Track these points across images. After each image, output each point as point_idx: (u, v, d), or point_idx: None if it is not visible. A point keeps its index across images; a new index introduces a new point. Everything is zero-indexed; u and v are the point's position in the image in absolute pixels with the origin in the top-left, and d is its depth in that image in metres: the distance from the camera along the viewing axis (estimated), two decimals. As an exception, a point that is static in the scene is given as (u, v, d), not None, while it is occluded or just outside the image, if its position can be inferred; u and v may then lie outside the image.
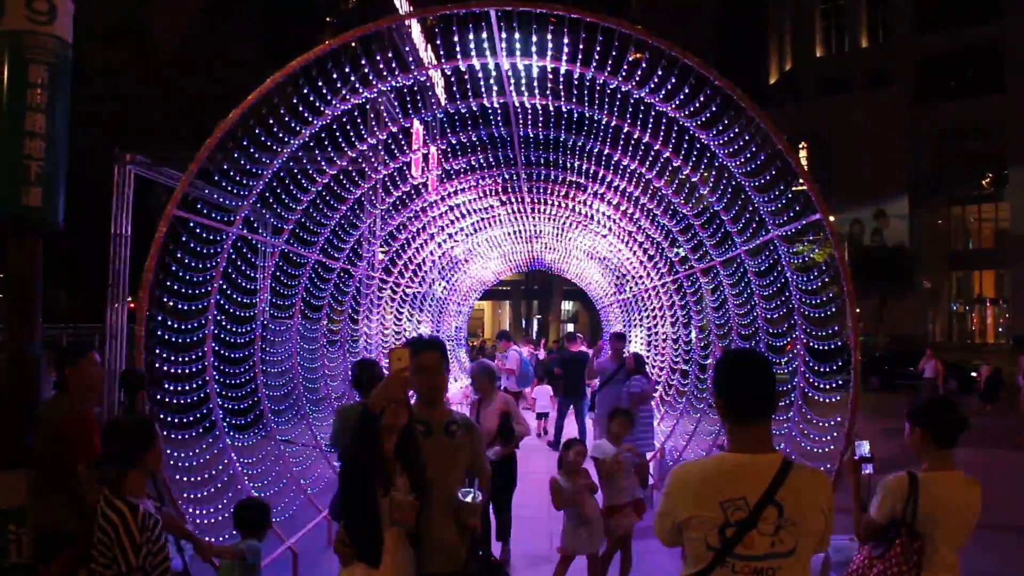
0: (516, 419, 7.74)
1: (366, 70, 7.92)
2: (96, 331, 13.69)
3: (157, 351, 7.37)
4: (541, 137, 10.18)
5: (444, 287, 18.30)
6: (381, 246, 13.34)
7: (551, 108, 9.18)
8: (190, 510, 7.19)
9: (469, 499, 3.96)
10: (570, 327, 57.37)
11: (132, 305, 12.19)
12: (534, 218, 15.90)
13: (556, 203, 14.30)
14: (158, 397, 7.36)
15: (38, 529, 4.54)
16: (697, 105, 7.87)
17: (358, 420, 3.77)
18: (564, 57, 7.85)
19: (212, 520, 7.38)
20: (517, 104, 9.09)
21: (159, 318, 7.43)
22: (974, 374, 28.40)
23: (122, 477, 3.73)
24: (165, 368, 7.42)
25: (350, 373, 5.76)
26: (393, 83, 8.26)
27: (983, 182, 49.37)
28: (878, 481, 3.99)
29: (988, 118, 46.81)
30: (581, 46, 7.66)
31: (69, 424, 4.81)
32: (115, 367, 12.22)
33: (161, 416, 7.31)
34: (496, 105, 9.21)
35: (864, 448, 4.27)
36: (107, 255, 12.31)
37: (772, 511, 2.67)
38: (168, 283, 7.37)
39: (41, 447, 4.65)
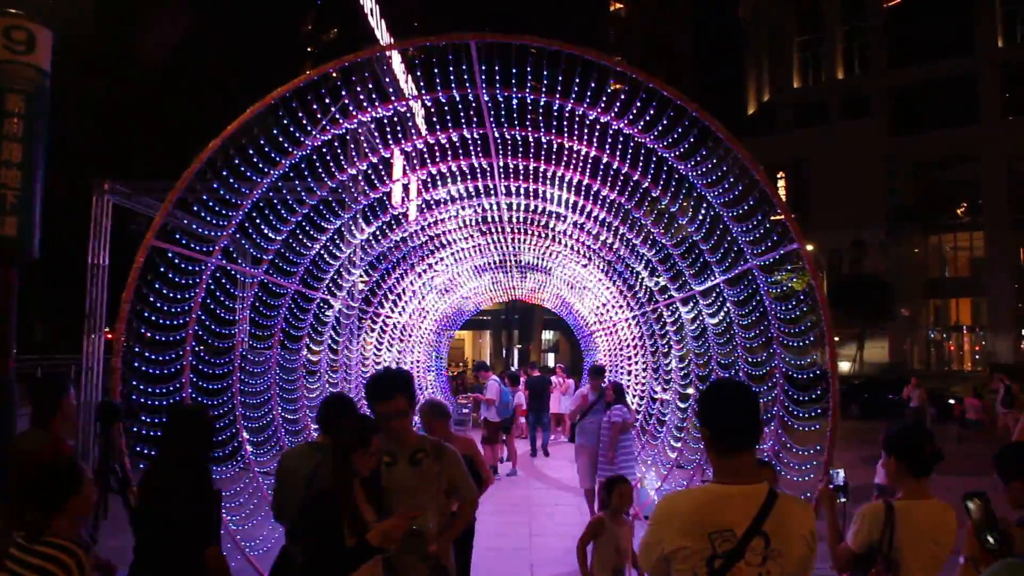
0: (478, 465, 6.39)
1: (346, 100, 7.95)
2: (72, 362, 13.56)
3: (134, 382, 7.31)
4: (521, 167, 10.22)
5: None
6: (361, 276, 13.32)
7: (531, 139, 9.23)
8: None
9: (416, 527, 3.94)
10: (551, 357, 57.46)
11: (109, 336, 12.09)
12: (514, 248, 15.94)
13: (536, 233, 14.34)
14: (135, 429, 7.28)
15: None
16: (675, 136, 7.94)
17: (320, 511, 3.80)
18: (544, 88, 7.91)
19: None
20: (497, 135, 9.13)
21: (136, 349, 7.37)
22: (951, 401, 28.58)
23: (43, 522, 3.43)
24: (142, 400, 7.35)
25: (322, 406, 5.44)
26: (373, 113, 8.28)
27: (959, 211, 50.01)
28: (854, 510, 4.00)
29: (963, 148, 47.50)
30: (561, 78, 7.73)
31: (48, 456, 4.75)
32: (92, 399, 12.10)
33: (138, 448, 7.23)
34: (476, 136, 9.25)
35: (840, 477, 4.28)
36: (84, 285, 12.23)
37: (759, 542, 2.68)
38: (146, 314, 7.31)
39: (18, 480, 4.58)
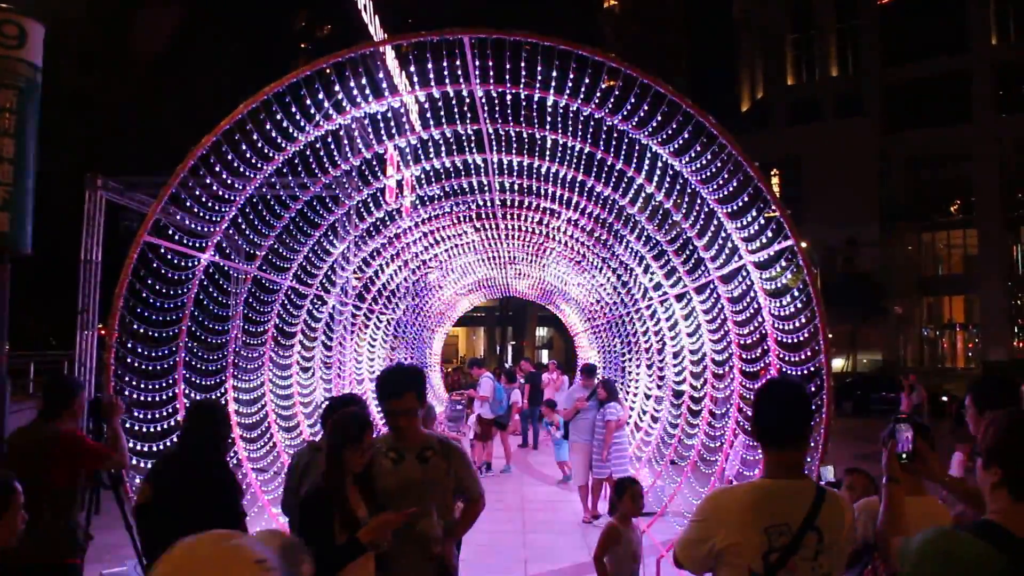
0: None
1: (340, 96, 7.92)
2: (64, 358, 13.50)
3: (127, 378, 7.28)
4: (515, 164, 10.20)
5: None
6: (355, 272, 13.29)
7: (525, 135, 9.22)
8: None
9: (420, 527, 3.92)
10: (544, 353, 57.54)
11: (102, 332, 12.05)
12: (508, 244, 15.93)
13: (530, 229, 14.34)
14: (127, 425, 7.26)
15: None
16: (670, 132, 7.93)
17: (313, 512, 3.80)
18: (538, 84, 7.89)
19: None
20: (491, 131, 9.12)
21: (129, 345, 7.35)
22: (944, 399, 28.64)
23: None
24: (135, 395, 7.33)
25: (325, 407, 5.59)
26: (367, 109, 8.26)
27: (951, 209, 50.14)
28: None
29: (956, 146, 47.63)
30: (555, 73, 7.71)
31: (68, 441, 4.78)
32: (85, 395, 12.03)
33: (130, 444, 7.21)
34: (470, 132, 9.23)
35: (829, 474, 4.30)
36: (76, 281, 12.18)
37: (812, 537, 2.75)
38: (139, 310, 7.29)
39: (25, 473, 4.54)
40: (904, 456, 3.09)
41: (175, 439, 5.28)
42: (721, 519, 2.83)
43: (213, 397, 8.63)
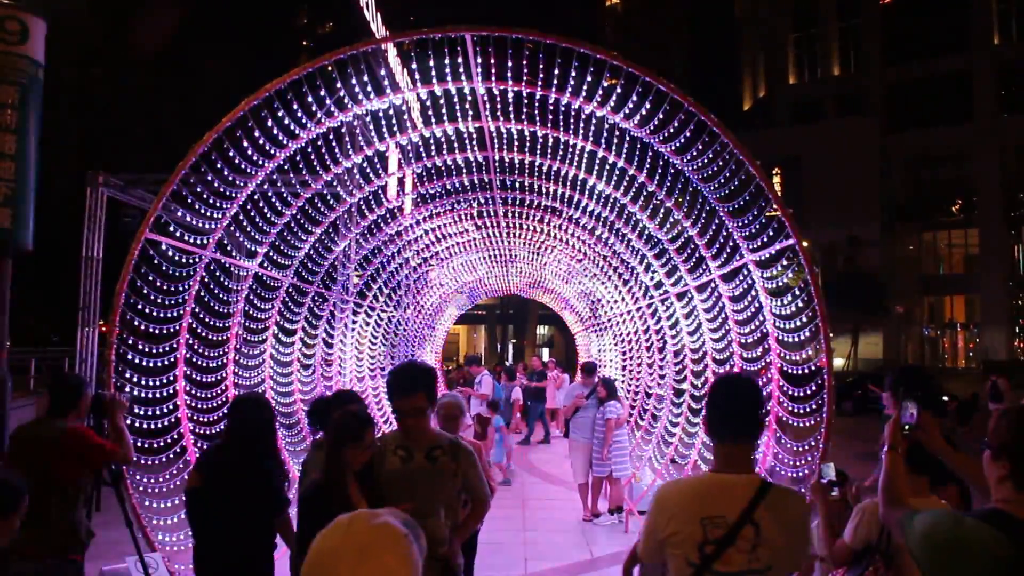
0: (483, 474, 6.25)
1: (342, 94, 7.92)
2: (65, 355, 13.49)
3: (128, 375, 7.28)
4: (516, 162, 10.19)
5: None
6: (356, 269, 13.29)
7: (526, 133, 9.21)
8: (160, 536, 7.10)
9: (426, 526, 3.92)
10: (545, 351, 57.56)
11: (103, 328, 12.05)
12: (509, 242, 15.92)
13: (531, 227, 14.33)
14: (128, 422, 7.26)
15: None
16: (671, 130, 7.92)
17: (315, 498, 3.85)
18: (540, 82, 7.88)
19: (182, 547, 7.28)
20: (493, 128, 9.11)
21: (130, 342, 7.34)
22: (945, 398, 28.59)
23: None
24: (136, 392, 7.33)
25: (317, 405, 5.71)
26: (369, 107, 8.25)
27: (953, 208, 50.12)
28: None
29: (957, 146, 47.65)
30: (557, 71, 7.71)
31: (74, 436, 4.80)
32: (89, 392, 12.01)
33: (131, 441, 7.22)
34: (472, 129, 9.23)
35: (830, 471, 4.30)
36: (77, 277, 12.18)
37: (750, 530, 2.75)
38: (140, 306, 7.29)
39: (31, 468, 4.53)
40: (907, 428, 3.15)
41: (222, 431, 5.35)
42: (664, 509, 2.89)
43: (213, 393, 8.64)
